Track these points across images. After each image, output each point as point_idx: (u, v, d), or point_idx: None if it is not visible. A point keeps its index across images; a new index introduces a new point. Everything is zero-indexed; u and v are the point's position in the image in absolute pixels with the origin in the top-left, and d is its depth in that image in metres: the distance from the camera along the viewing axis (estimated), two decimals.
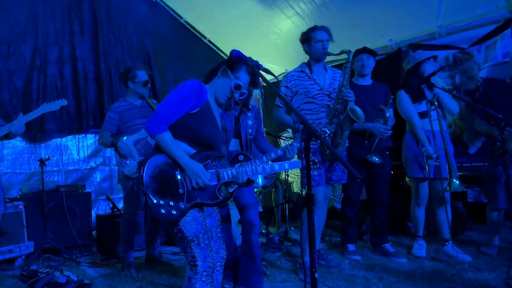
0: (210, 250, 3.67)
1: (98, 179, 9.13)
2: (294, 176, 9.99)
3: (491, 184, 6.34)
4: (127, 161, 6.07)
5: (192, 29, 10.54)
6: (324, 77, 5.91)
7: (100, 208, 8.93)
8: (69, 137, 8.80)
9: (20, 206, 6.68)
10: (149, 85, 6.42)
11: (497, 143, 6.02)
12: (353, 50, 5.87)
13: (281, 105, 5.88)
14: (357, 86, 6.51)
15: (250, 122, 5.23)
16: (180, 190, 3.54)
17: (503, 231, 6.86)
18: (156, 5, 9.96)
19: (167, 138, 3.52)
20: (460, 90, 7.22)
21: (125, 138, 6.08)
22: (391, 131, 6.36)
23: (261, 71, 3.56)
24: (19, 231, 6.56)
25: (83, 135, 8.95)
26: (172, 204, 3.50)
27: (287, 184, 8.91)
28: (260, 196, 8.19)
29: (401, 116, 6.66)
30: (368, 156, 6.35)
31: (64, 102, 5.95)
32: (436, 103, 6.27)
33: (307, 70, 5.91)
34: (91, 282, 5.58)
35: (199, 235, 3.60)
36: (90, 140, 8.97)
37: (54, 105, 5.82)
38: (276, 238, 7.52)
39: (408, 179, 6.84)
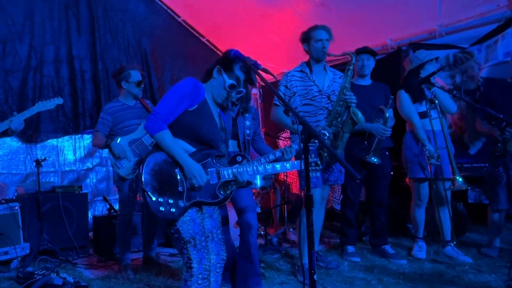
0: (207, 253, 3.65)
1: (94, 180, 9.13)
2: (292, 177, 9.99)
3: (492, 185, 6.34)
4: (122, 162, 6.06)
5: (190, 29, 10.53)
6: (324, 78, 5.91)
7: (96, 209, 8.91)
8: (66, 138, 8.80)
9: (16, 207, 6.67)
10: (142, 85, 6.41)
11: (498, 144, 6.05)
12: (352, 49, 5.87)
13: (279, 104, 5.87)
14: (357, 86, 6.49)
15: (248, 123, 5.23)
16: (179, 188, 3.54)
17: (504, 233, 6.87)
18: (153, 4, 9.96)
19: (166, 136, 3.52)
20: (460, 90, 7.22)
21: (119, 139, 6.08)
22: (391, 132, 6.35)
23: (259, 71, 3.55)
24: (15, 232, 6.54)
25: (79, 135, 8.94)
26: (172, 202, 3.49)
27: (286, 185, 8.91)
28: (259, 197, 8.18)
29: (401, 116, 6.66)
30: (367, 156, 6.34)
31: (59, 100, 5.92)
32: (436, 102, 6.27)
33: (307, 70, 5.90)
34: (88, 284, 5.57)
35: (196, 236, 3.59)
36: (86, 141, 8.94)
37: (50, 104, 5.80)
38: (275, 239, 7.53)
39: (408, 179, 6.84)
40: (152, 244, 6.78)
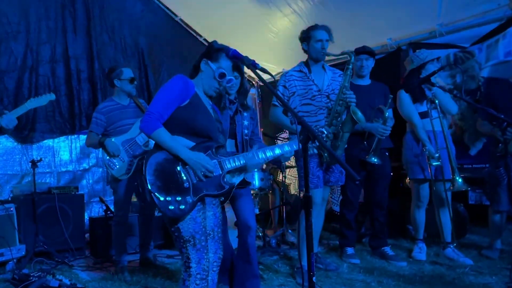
0: (206, 253, 3.68)
1: (91, 181, 9.13)
2: (291, 178, 9.99)
3: (493, 186, 6.34)
4: (115, 162, 6.07)
5: (187, 28, 10.54)
6: (323, 77, 5.91)
7: (93, 211, 8.92)
8: (62, 138, 8.80)
9: (12, 209, 6.65)
10: (135, 82, 6.40)
11: (499, 144, 6.03)
12: (351, 49, 5.86)
13: (278, 104, 5.86)
14: (356, 86, 6.46)
15: (246, 122, 5.21)
16: (185, 184, 3.58)
17: (505, 234, 6.87)
18: (150, 3, 9.97)
19: (163, 134, 3.57)
20: (461, 89, 7.21)
21: (112, 139, 6.09)
22: (390, 131, 6.35)
23: (257, 71, 3.56)
24: (10, 234, 6.52)
25: (75, 135, 8.94)
26: (180, 199, 3.53)
27: (284, 186, 8.90)
28: (257, 198, 8.18)
29: (402, 116, 6.66)
30: (367, 157, 6.34)
31: (52, 96, 5.89)
32: (437, 101, 6.26)
33: (305, 69, 5.90)
34: (84, 286, 5.56)
35: (196, 235, 3.61)
36: (83, 141, 8.87)
37: (42, 100, 5.77)
38: (273, 241, 7.52)
39: (409, 180, 6.84)
40: (149, 246, 6.77)
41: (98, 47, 9.15)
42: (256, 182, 7.59)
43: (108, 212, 7.31)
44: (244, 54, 3.64)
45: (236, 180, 3.94)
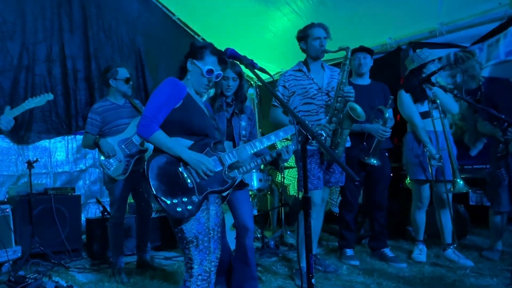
0: (208, 254, 3.72)
1: (87, 182, 9.13)
2: (290, 179, 9.99)
3: (494, 186, 6.34)
4: (112, 162, 6.07)
5: (185, 27, 10.54)
6: (322, 76, 5.92)
7: (90, 212, 8.89)
8: (58, 138, 8.81)
9: (7, 210, 6.66)
10: (131, 83, 6.39)
11: (500, 145, 6.04)
12: (351, 48, 5.87)
13: (278, 105, 5.87)
14: (355, 86, 6.40)
15: (243, 124, 5.21)
16: (189, 185, 3.61)
17: (506, 235, 6.88)
18: (148, 2, 9.96)
19: (161, 136, 3.61)
20: (461, 89, 7.21)
21: (108, 139, 6.10)
22: (390, 132, 6.34)
23: (256, 70, 3.57)
24: (6, 235, 6.52)
25: (72, 136, 8.94)
26: (186, 200, 3.56)
27: (283, 187, 8.90)
28: (255, 199, 8.18)
29: (402, 116, 6.66)
30: (366, 158, 6.34)
31: (50, 96, 5.87)
32: (438, 101, 6.26)
33: (304, 69, 5.91)
34: None
35: (199, 236, 3.65)
36: (79, 142, 8.76)
37: (39, 100, 5.75)
38: (272, 242, 7.51)
39: (409, 181, 6.84)
40: (146, 247, 6.76)
41: (95, 46, 9.15)
42: (255, 183, 7.58)
43: (105, 213, 7.29)
44: (242, 54, 3.64)
45: (237, 172, 4.00)
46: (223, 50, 3.79)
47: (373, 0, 7.79)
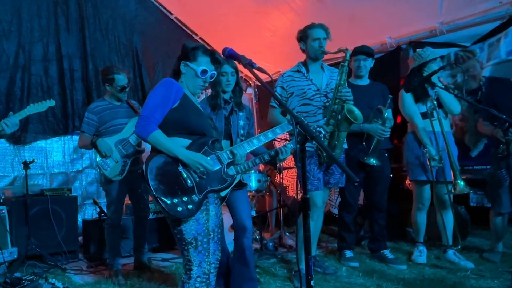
0: (207, 255, 3.72)
1: (84, 183, 9.12)
2: (289, 180, 9.99)
3: (495, 187, 6.33)
4: (108, 163, 6.07)
5: (182, 26, 10.54)
6: (321, 77, 5.91)
7: (86, 213, 8.90)
8: (55, 139, 8.79)
9: (3, 211, 6.65)
10: (126, 90, 6.39)
11: (501, 145, 6.03)
12: (350, 48, 5.86)
13: (276, 106, 5.87)
14: (354, 86, 6.43)
15: (241, 122, 5.22)
16: (188, 184, 3.62)
17: (507, 237, 6.88)
18: (145, 1, 9.96)
19: (159, 136, 3.63)
20: (462, 89, 7.22)
21: (105, 139, 6.10)
22: (389, 133, 6.34)
23: (254, 70, 3.57)
24: (2, 236, 6.51)
25: (69, 136, 8.94)
26: (186, 199, 3.57)
27: (282, 188, 8.89)
28: (254, 200, 8.17)
29: (403, 116, 6.66)
30: (365, 158, 6.34)
31: (51, 102, 5.86)
32: (435, 102, 6.26)
33: (303, 69, 5.91)
34: None
35: (198, 237, 3.65)
36: (76, 142, 8.77)
37: (41, 106, 5.75)
38: (271, 244, 7.51)
39: (410, 182, 6.84)
40: (143, 249, 6.76)
41: (91, 45, 9.14)
42: (253, 184, 7.59)
43: (102, 215, 7.30)
44: (240, 53, 3.64)
45: (235, 170, 4.01)
46: (221, 50, 3.80)
47: None
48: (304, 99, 5.80)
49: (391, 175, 7.01)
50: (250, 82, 11.60)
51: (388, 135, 6.33)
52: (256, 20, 9.48)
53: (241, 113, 5.24)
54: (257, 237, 7.58)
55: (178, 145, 3.66)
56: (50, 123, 8.58)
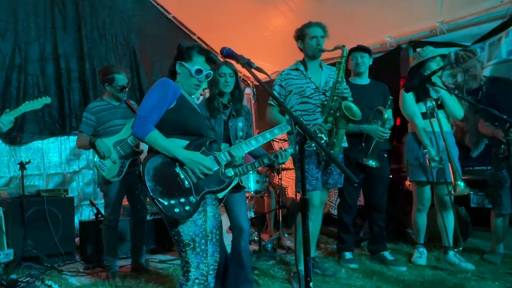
0: (205, 257, 3.71)
1: (81, 183, 9.12)
2: (288, 181, 9.98)
3: (495, 188, 6.33)
4: (106, 164, 6.07)
5: (180, 26, 10.54)
6: (320, 75, 5.91)
7: (83, 214, 8.87)
8: (51, 139, 8.80)
9: None
10: (126, 90, 6.39)
11: (502, 146, 6.02)
12: (349, 47, 5.86)
13: (274, 104, 5.86)
14: (354, 85, 6.42)
15: (240, 124, 5.23)
16: (186, 185, 3.61)
17: (508, 238, 6.86)
18: (142, 0, 9.95)
19: (156, 136, 3.61)
20: (462, 89, 7.21)
21: (104, 140, 6.09)
22: (389, 134, 6.33)
23: (253, 70, 3.56)
24: None
25: (65, 137, 8.94)
26: (183, 200, 3.56)
27: (281, 189, 8.88)
28: (252, 202, 8.17)
29: (404, 116, 6.65)
30: (365, 159, 6.33)
31: (47, 100, 5.88)
32: (433, 103, 6.24)
33: (302, 68, 5.91)
34: None
35: (196, 239, 3.64)
36: (73, 143, 8.84)
37: (37, 104, 5.75)
38: (269, 245, 7.51)
39: (409, 182, 6.83)
40: (141, 250, 6.76)
41: (88, 45, 9.15)
42: (252, 185, 7.58)
43: (99, 216, 7.30)
44: (239, 53, 3.64)
45: (233, 171, 4.00)
46: (219, 49, 3.79)
47: None
48: (303, 97, 5.80)
49: (391, 176, 7.00)
50: (249, 82, 11.59)
51: (388, 137, 6.33)
52: (255, 19, 9.48)
53: (240, 116, 5.26)
54: (256, 238, 7.58)
55: (176, 145, 3.65)
56: (46, 123, 8.58)
